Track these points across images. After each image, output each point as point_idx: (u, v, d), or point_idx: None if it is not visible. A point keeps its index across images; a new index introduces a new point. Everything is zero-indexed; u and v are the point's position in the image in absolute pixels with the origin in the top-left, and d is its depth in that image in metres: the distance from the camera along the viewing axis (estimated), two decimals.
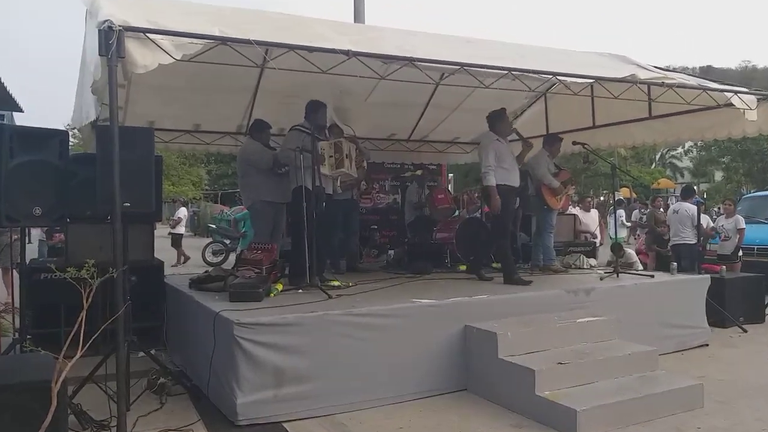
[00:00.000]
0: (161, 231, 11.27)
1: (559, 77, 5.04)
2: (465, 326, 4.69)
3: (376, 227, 9.56)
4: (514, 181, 6.01)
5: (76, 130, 6.69)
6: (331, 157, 5.67)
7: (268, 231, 6.28)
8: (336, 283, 5.51)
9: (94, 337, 2.71)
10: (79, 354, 2.69)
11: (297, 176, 5.53)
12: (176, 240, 14.46)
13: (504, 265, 6.00)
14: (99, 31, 3.45)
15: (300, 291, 5.23)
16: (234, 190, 34.91)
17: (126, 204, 3.67)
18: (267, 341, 4.00)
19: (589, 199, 12.74)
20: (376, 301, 4.77)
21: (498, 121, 6.08)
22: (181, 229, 14.85)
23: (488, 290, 5.36)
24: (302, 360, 4.10)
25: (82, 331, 2.54)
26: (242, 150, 6.67)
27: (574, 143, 7.05)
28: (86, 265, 2.75)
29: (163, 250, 8.41)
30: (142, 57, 3.52)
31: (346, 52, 4.16)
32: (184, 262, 13.76)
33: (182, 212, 15.17)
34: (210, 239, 15.46)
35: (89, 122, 5.00)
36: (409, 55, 4.42)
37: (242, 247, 8.89)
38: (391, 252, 8.85)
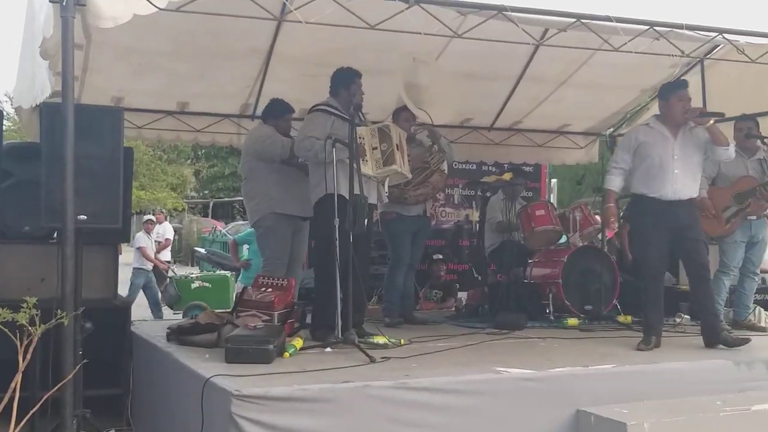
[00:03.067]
0: (127, 257, 11.47)
1: (726, 35, 4.94)
2: (577, 412, 4.59)
3: (440, 258, 9.53)
4: (672, 193, 5.83)
5: (10, 109, 6.93)
6: (375, 149, 5.68)
7: (284, 259, 6.34)
8: (381, 341, 5.49)
9: (33, 411, 2.75)
10: None
11: (325, 179, 5.56)
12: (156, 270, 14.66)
13: (647, 317, 5.86)
14: None
15: (328, 350, 5.24)
16: (232, 198, 35.59)
17: (81, 217, 3.75)
18: (279, 424, 3.98)
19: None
20: (442, 368, 4.73)
21: (670, 94, 5.88)
22: (166, 255, 15.09)
23: (613, 357, 5.26)
24: None
25: (15, 401, 2.58)
26: (248, 137, 6.80)
27: (748, 136, 6.88)
28: (25, 304, 2.80)
29: (124, 283, 8.49)
30: (111, 5, 3.63)
31: None
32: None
33: (167, 230, 15.29)
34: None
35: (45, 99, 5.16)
36: (498, 2, 4.41)
37: (244, 283, 8.97)
38: (464, 295, 8.78)
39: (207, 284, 12.42)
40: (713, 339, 5.73)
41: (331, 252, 5.40)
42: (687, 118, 5.73)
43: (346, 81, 5.92)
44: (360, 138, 5.66)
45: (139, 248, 13.42)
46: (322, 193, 5.65)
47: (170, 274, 13.65)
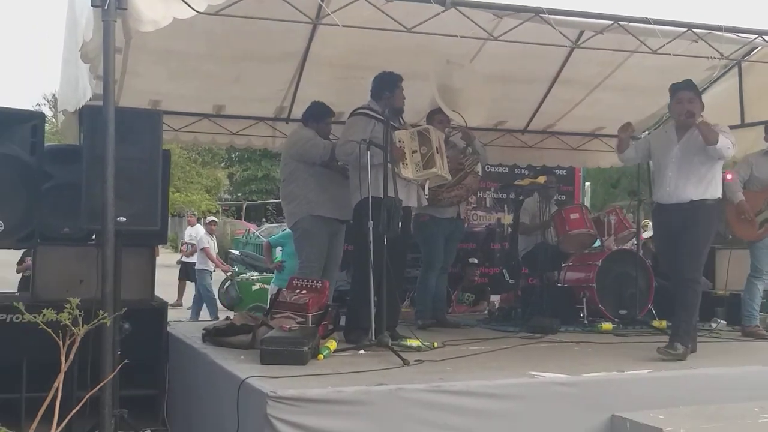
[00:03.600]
0: (164, 258, 11.58)
1: (766, 37, 4.88)
2: (612, 417, 4.56)
3: (475, 261, 9.50)
4: (667, 196, 5.75)
5: (59, 114, 7.00)
6: (414, 152, 5.70)
7: (320, 262, 6.36)
8: (415, 344, 5.50)
9: (75, 410, 2.78)
10: None
11: (363, 183, 5.57)
12: (189, 272, 14.74)
13: (679, 321, 5.68)
14: None
15: (361, 353, 5.25)
16: (265, 201, 35.78)
17: (121, 219, 3.78)
18: (314, 425, 3.99)
19: None
20: (476, 372, 4.73)
21: (672, 96, 5.77)
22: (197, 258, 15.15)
23: (649, 362, 5.21)
24: None
25: (57, 402, 2.61)
26: (289, 139, 6.83)
27: None
28: (68, 305, 2.83)
29: (161, 284, 8.57)
30: (151, 8, 3.67)
31: (442, 1, 4.19)
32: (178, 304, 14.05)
33: (199, 232, 15.30)
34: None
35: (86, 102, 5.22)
36: (535, 5, 4.39)
37: (278, 285, 9.01)
38: (496, 299, 8.74)
39: (267, 286, 12.41)
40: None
41: (367, 255, 5.42)
42: (682, 121, 5.63)
43: (390, 85, 5.95)
44: (400, 141, 5.68)
45: (203, 249, 13.56)
46: (360, 197, 5.66)
47: (229, 274, 13.78)
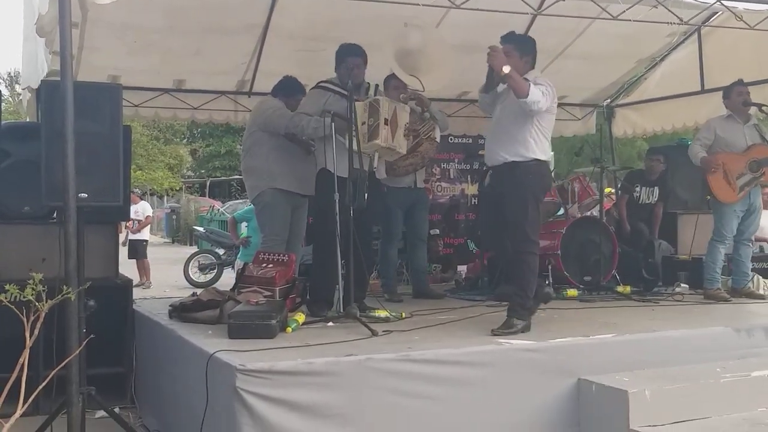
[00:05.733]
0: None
1: (725, 2, 4.91)
2: (578, 381, 4.62)
3: (437, 232, 9.53)
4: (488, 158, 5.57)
5: (24, 91, 6.86)
6: (363, 124, 5.63)
7: (284, 235, 6.33)
8: (383, 314, 5.50)
9: (40, 388, 2.75)
10: (19, 412, 2.73)
11: (319, 154, 5.59)
12: (138, 249, 14.61)
13: (513, 296, 5.29)
14: None
15: (330, 325, 5.25)
16: (229, 177, 35.54)
17: (83, 195, 3.74)
18: (284, 397, 4.00)
19: None
20: (444, 341, 4.75)
21: None
22: (145, 234, 15.03)
23: (613, 327, 5.28)
24: (334, 427, 4.08)
25: (23, 380, 2.58)
26: (255, 109, 6.76)
27: (745, 104, 6.87)
28: (31, 281, 2.80)
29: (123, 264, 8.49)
30: None
31: None
32: (146, 286, 13.87)
33: (146, 208, 15.23)
34: (195, 248, 15.76)
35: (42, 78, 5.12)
36: None
37: (244, 260, 8.98)
38: (463, 269, 8.78)
39: None
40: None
41: (327, 227, 5.42)
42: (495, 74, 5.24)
43: (338, 57, 5.87)
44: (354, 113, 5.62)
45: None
46: (317, 168, 5.70)
47: None
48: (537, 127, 5.20)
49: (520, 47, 5.22)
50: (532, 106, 4.98)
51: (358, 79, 5.81)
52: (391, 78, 6.46)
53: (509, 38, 5.25)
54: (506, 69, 4.91)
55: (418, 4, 4.49)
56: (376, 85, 6.18)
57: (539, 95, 4.97)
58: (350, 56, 5.83)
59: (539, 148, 5.23)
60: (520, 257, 5.21)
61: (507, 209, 5.22)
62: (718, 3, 5.06)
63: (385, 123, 5.59)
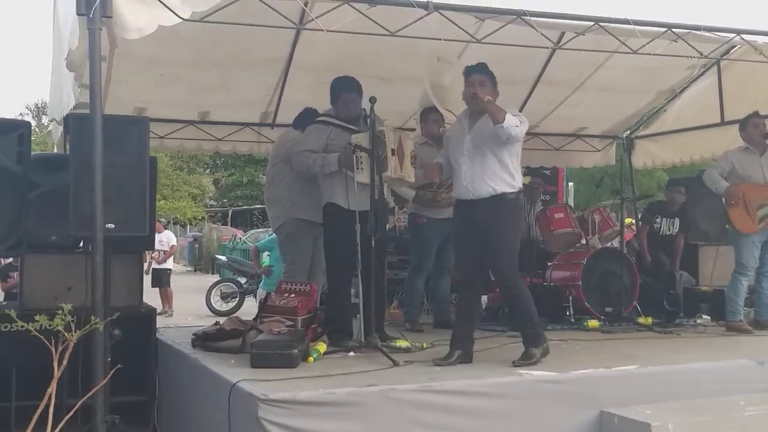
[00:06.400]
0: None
1: (744, 36, 4.92)
2: (601, 413, 4.58)
3: None
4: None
5: (51, 123, 6.95)
6: (390, 152, 5.62)
7: (305, 265, 6.36)
8: (404, 345, 5.48)
9: (67, 417, 2.77)
10: None
11: (326, 189, 5.70)
12: (162, 278, 14.71)
13: (522, 328, 5.28)
14: None
15: (351, 354, 5.24)
16: (251, 206, 35.72)
17: (110, 225, 3.77)
18: (305, 427, 3.98)
19: None
20: (465, 372, 4.73)
21: None
22: (169, 263, 15.12)
23: (636, 358, 5.23)
24: None
25: (51, 407, 2.60)
26: (277, 141, 6.81)
27: (766, 136, 6.86)
28: (60, 311, 2.82)
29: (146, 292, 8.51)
30: (136, 16, 3.66)
31: (425, 5, 4.20)
32: (169, 314, 13.92)
33: (170, 238, 15.33)
34: (217, 277, 15.80)
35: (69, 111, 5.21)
36: (517, 7, 4.42)
37: (266, 289, 9.00)
38: (484, 299, 8.74)
39: None
40: None
41: (336, 259, 5.53)
42: (469, 103, 5.23)
43: (333, 93, 5.83)
44: (356, 146, 5.59)
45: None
46: (324, 202, 5.77)
47: None
48: (516, 156, 5.22)
49: (491, 79, 5.24)
50: (510, 131, 4.94)
51: (355, 113, 5.82)
52: (431, 111, 6.54)
53: (482, 69, 5.22)
54: (488, 98, 4.99)
55: (440, 39, 4.52)
56: (372, 98, 6.05)
57: (516, 120, 4.98)
58: (344, 92, 5.81)
59: (519, 178, 5.25)
60: (515, 291, 5.26)
61: (494, 241, 5.09)
62: (738, 37, 5.07)
63: (392, 153, 5.59)
